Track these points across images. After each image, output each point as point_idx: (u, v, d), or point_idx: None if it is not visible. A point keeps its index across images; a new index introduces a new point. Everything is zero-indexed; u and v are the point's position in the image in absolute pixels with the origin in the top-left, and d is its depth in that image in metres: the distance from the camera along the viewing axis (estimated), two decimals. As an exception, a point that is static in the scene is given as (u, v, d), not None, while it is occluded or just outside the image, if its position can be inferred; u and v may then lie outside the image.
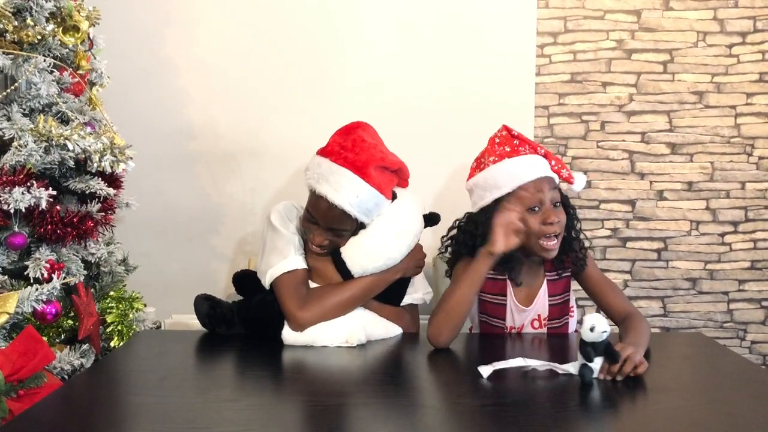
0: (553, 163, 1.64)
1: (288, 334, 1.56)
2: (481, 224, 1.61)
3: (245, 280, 1.74)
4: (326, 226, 1.63)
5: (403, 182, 1.73)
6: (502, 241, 1.55)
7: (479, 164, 1.70)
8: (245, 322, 1.65)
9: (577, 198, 1.72)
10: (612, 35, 2.39)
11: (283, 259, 1.64)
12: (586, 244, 1.75)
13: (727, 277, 2.46)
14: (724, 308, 2.47)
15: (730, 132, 2.42)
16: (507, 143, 1.66)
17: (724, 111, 2.41)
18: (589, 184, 2.38)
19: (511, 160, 1.62)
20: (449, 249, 1.75)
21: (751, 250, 2.46)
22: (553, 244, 1.58)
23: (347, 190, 1.59)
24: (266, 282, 1.64)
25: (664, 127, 2.42)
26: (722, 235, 2.45)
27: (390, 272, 1.66)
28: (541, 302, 1.68)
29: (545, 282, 1.69)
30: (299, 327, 1.56)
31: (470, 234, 1.66)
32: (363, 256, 1.63)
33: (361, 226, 1.65)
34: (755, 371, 1.38)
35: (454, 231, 1.74)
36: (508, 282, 1.68)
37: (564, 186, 1.68)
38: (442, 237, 1.77)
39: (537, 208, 1.58)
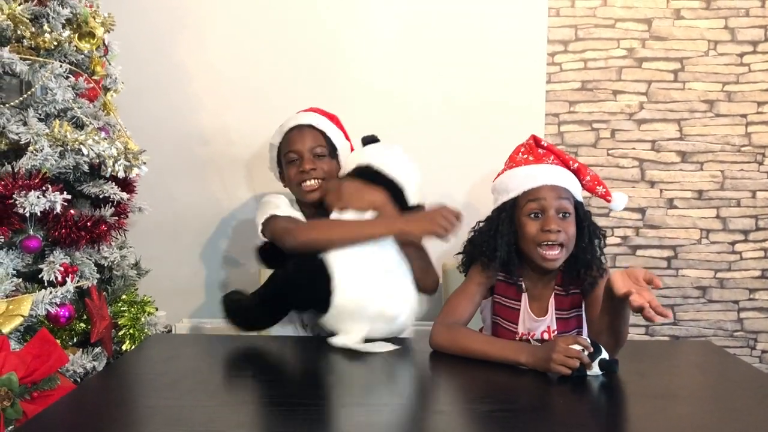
0: (587, 178, 1.65)
1: (336, 339, 1.55)
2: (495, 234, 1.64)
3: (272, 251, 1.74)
4: (308, 149, 1.83)
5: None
6: (549, 367, 1.36)
7: (504, 168, 1.73)
8: (272, 300, 1.64)
9: (587, 206, 1.71)
10: (623, 44, 2.39)
11: (276, 208, 1.79)
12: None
13: (738, 285, 2.46)
14: (734, 317, 2.47)
15: (740, 140, 2.41)
16: (531, 152, 1.68)
17: (735, 120, 2.41)
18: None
19: (524, 167, 1.65)
20: (465, 249, 1.75)
21: (762, 258, 2.45)
22: (553, 254, 1.56)
23: (313, 115, 1.88)
24: (259, 228, 1.78)
25: (675, 135, 2.42)
26: (732, 243, 2.45)
27: (399, 222, 1.66)
28: (552, 315, 1.68)
29: (553, 295, 1.68)
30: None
31: (482, 233, 1.68)
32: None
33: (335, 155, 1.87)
34: (765, 380, 1.38)
35: (473, 233, 1.75)
36: (524, 293, 1.68)
37: (595, 203, 1.65)
38: (464, 242, 1.78)
39: (538, 215, 1.58)
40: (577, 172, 1.65)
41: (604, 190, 1.65)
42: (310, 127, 1.87)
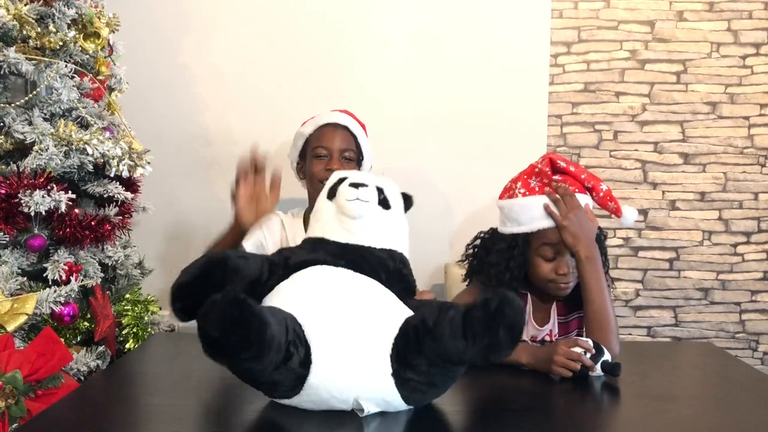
0: (600, 194, 1.60)
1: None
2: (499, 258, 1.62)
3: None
4: (338, 149, 1.84)
5: None
6: (550, 369, 1.37)
7: (511, 188, 1.62)
8: None
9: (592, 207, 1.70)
10: (625, 45, 2.40)
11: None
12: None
13: (740, 287, 2.46)
14: (736, 319, 2.47)
15: (743, 142, 2.41)
16: (545, 177, 1.57)
17: (738, 122, 2.41)
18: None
19: (537, 198, 1.56)
20: (468, 259, 1.75)
21: (764, 260, 2.45)
22: (567, 286, 1.58)
23: (347, 118, 1.89)
24: None
25: (677, 137, 2.42)
26: (735, 245, 2.45)
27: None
28: (553, 321, 1.68)
29: (554, 303, 1.68)
30: None
31: (486, 251, 1.66)
32: None
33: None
34: (766, 382, 1.38)
35: (478, 242, 1.74)
36: (529, 297, 1.68)
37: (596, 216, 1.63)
38: (467, 245, 1.76)
39: (553, 257, 1.57)
40: (591, 190, 1.61)
41: (615, 206, 1.61)
42: (345, 128, 1.88)
